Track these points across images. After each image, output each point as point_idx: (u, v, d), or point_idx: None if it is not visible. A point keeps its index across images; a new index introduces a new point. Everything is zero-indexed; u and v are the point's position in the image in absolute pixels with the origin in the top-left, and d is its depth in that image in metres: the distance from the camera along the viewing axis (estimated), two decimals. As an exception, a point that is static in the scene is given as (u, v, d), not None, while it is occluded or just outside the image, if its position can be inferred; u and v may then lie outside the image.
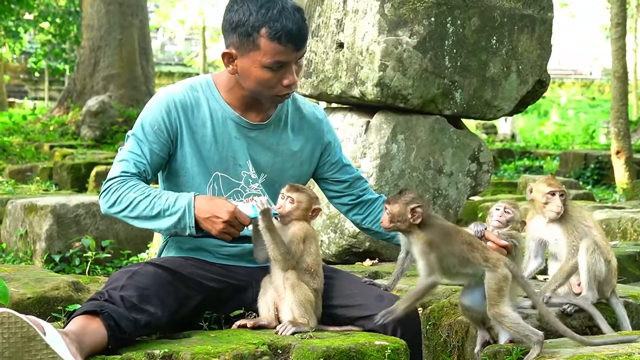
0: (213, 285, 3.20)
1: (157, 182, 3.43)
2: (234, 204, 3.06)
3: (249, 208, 3.07)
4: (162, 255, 3.37)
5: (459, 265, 3.05)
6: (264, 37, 3.06)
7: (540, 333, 2.98)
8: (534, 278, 4.19)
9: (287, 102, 3.38)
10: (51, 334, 2.61)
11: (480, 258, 3.04)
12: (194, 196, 3.08)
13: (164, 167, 3.29)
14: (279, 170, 3.34)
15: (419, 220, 3.02)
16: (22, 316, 2.56)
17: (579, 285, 3.68)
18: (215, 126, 3.24)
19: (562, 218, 3.64)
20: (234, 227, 3.05)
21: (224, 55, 3.18)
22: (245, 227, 3.09)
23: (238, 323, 3.14)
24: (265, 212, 3.03)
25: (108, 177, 3.19)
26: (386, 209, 3.06)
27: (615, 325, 3.65)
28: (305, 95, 5.48)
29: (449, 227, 3.10)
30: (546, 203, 3.65)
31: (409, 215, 3.01)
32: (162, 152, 3.22)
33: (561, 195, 3.64)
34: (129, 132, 3.25)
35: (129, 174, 3.16)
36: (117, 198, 3.12)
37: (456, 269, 3.06)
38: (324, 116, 3.52)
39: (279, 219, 3.13)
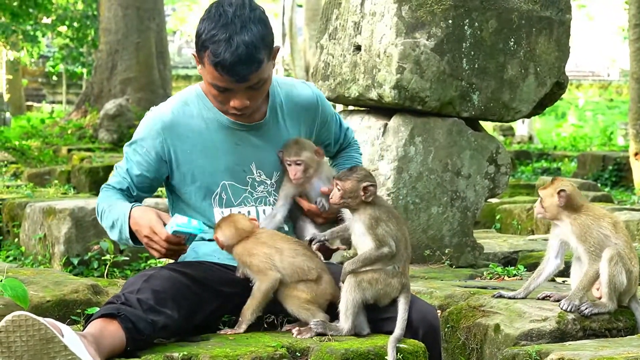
0: (229, 289, 3.17)
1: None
2: (165, 218, 3.01)
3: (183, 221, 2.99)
4: (178, 261, 3.37)
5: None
6: (207, 59, 3.02)
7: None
8: (552, 280, 4.17)
9: (277, 92, 3.31)
10: (69, 336, 2.62)
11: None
12: (131, 208, 3.09)
13: (166, 184, 3.30)
14: None
15: (370, 199, 3.05)
16: (39, 318, 2.58)
17: (597, 289, 3.66)
18: (214, 136, 3.21)
19: (575, 223, 3.59)
20: (155, 242, 3.00)
21: (194, 55, 3.16)
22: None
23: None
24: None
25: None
26: (337, 185, 3.07)
27: (635, 328, 3.64)
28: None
29: (394, 210, 3.17)
30: None
31: (361, 193, 3.03)
32: (149, 172, 3.21)
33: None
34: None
35: (111, 186, 3.25)
36: (97, 206, 3.25)
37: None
38: (312, 93, 3.38)
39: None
